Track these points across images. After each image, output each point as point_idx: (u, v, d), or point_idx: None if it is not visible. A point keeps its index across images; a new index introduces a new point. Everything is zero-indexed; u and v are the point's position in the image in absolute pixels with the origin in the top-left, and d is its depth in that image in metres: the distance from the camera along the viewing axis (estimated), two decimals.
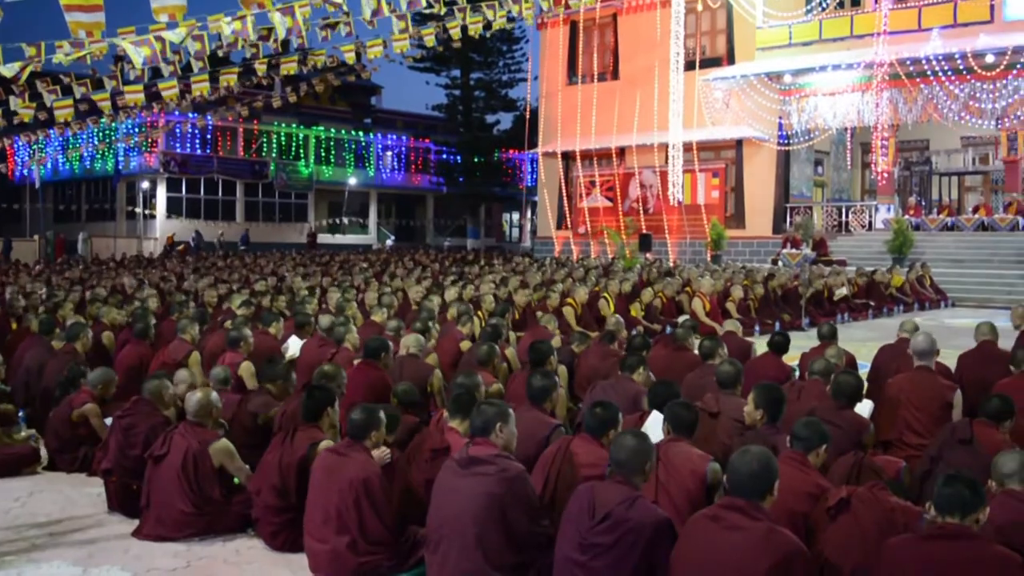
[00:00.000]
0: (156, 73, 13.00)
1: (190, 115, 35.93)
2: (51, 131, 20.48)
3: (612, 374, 7.70)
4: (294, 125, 50.70)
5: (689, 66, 31.07)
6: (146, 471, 6.15)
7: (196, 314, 10.96)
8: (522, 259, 29.23)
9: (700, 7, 31.30)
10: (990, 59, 24.71)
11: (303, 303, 12.50)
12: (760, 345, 10.06)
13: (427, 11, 15.02)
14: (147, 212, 45.92)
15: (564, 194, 35.81)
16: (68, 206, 51.11)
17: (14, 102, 12.10)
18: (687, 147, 31.00)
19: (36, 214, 46.40)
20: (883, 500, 4.44)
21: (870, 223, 29.91)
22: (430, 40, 15.79)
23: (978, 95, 25.73)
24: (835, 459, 5.27)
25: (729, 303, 16.07)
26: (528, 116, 37.20)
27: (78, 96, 13.73)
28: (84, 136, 36.06)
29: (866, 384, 7.71)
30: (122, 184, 46.49)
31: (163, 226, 45.58)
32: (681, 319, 12.62)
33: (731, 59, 30.94)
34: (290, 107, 45.35)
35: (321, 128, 52.12)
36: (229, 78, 15.49)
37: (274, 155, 49.62)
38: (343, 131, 53.29)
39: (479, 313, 12.00)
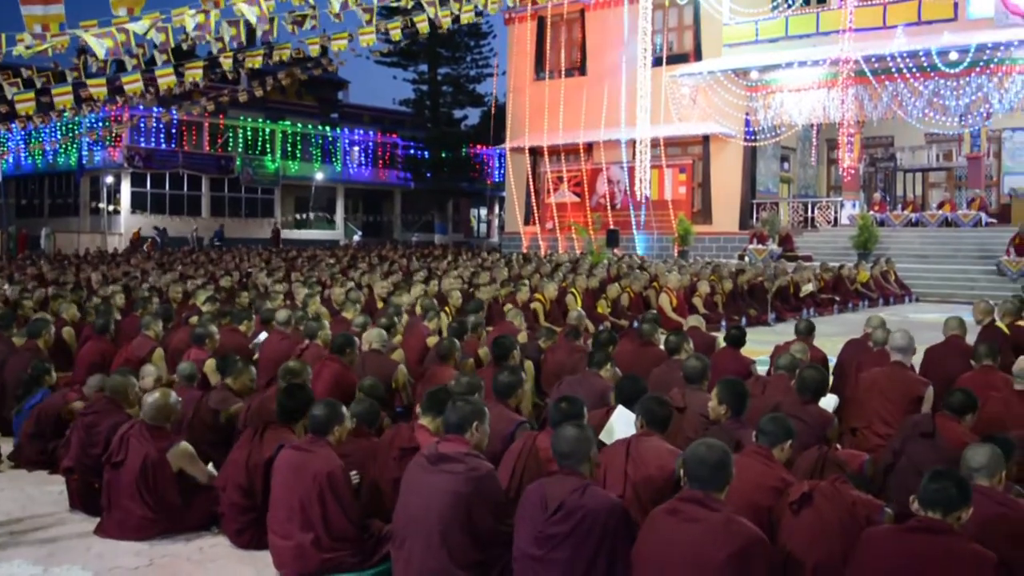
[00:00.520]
0: (120, 67, 12.89)
1: (155, 109, 35.58)
2: (13, 125, 20.23)
3: (579, 369, 7.70)
4: (260, 120, 50.33)
5: (656, 62, 31.14)
6: (104, 475, 6.05)
7: (160, 310, 10.84)
8: (489, 254, 29.22)
9: (667, 3, 31.39)
10: (954, 57, 24.93)
11: (268, 299, 12.42)
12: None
13: (394, 4, 14.98)
14: (111, 207, 45.46)
15: (532, 190, 35.81)
16: (30, 201, 50.52)
17: None
18: (654, 143, 31.09)
19: None
20: (845, 494, 4.46)
21: (835, 219, 30.15)
22: (396, 34, 15.74)
23: (942, 92, 25.97)
24: (799, 453, 5.29)
25: (696, 298, 16.14)
26: (495, 111, 37.18)
27: (39, 87, 13.58)
28: (47, 130, 35.67)
29: (831, 379, 7.81)
30: (86, 179, 45.97)
31: (127, 221, 45.06)
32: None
33: (698, 55, 31.02)
34: (256, 102, 44.96)
35: (288, 123, 51.79)
36: (195, 73, 15.36)
37: (240, 150, 49.22)
38: (310, 126, 52.97)
39: (446, 309, 11.98)
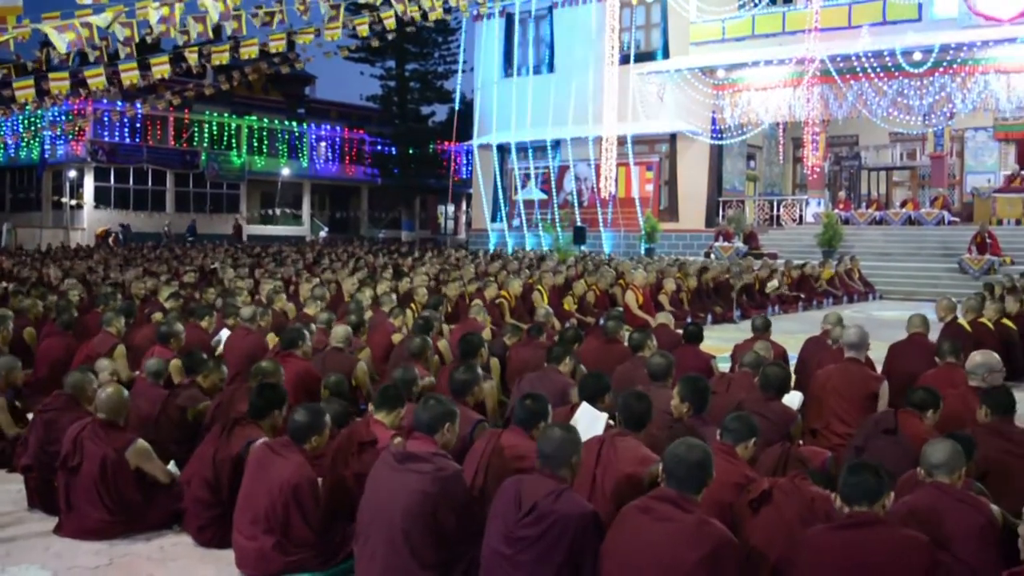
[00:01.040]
0: (83, 60, 12.74)
1: (119, 103, 35.22)
2: None
3: (541, 366, 7.70)
4: (226, 114, 49.94)
5: (624, 60, 31.25)
6: (59, 478, 5.94)
7: (123, 307, 10.72)
8: (455, 251, 29.18)
9: (635, 1, 31.47)
10: (917, 57, 25.21)
11: (233, 295, 12.32)
12: None
13: (362, 1, 14.91)
14: (74, 202, 44.94)
15: (499, 186, 35.81)
16: None
17: None
18: (621, 141, 31.18)
19: None
20: (804, 490, 4.49)
21: (801, 217, 30.36)
22: (363, 30, 15.66)
23: (906, 92, 26.25)
24: (763, 450, 5.31)
25: (662, 296, 16.18)
26: (463, 108, 37.12)
27: None
28: (8, 123, 35.22)
29: (794, 376, 7.84)
30: (48, 173, 45.41)
31: (91, 216, 44.56)
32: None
33: (665, 53, 31.13)
34: (222, 96, 44.85)
35: (254, 118, 51.42)
36: (162, 70, 15.18)
37: (205, 145, 48.78)
38: (276, 121, 52.62)
39: (412, 305, 11.94)
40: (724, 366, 8.87)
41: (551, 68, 34.34)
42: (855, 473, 3.98)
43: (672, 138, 31.15)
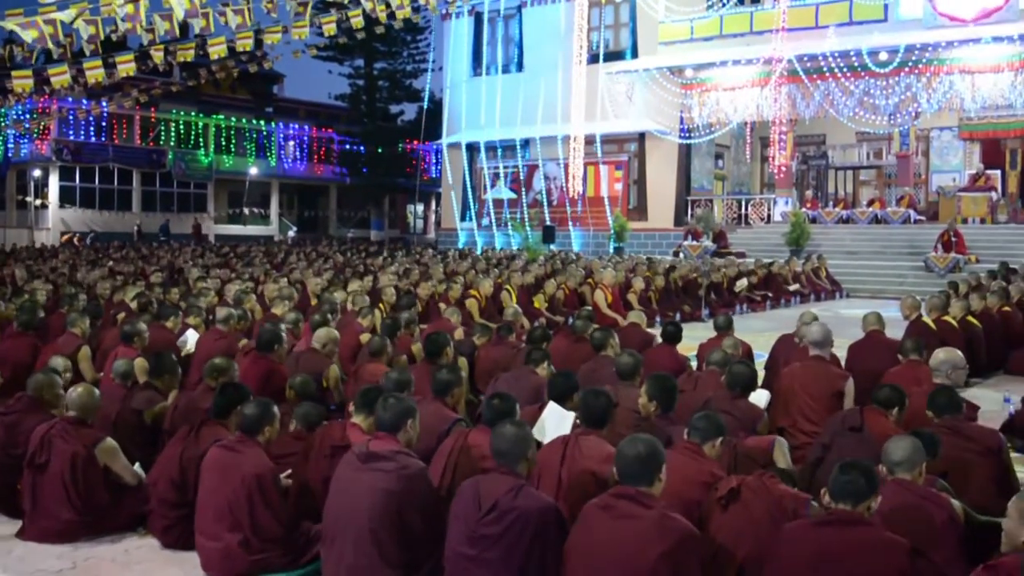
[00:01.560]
0: (48, 57, 12.60)
1: (84, 101, 34.86)
2: None
3: (513, 366, 7.69)
4: (193, 113, 49.56)
5: (593, 59, 31.30)
6: (25, 478, 5.87)
7: (88, 308, 10.60)
8: (425, 250, 29.13)
9: (604, 1, 31.53)
10: (883, 57, 25.40)
11: (198, 296, 12.21)
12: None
13: None
14: (39, 202, 44.45)
15: (468, 185, 35.78)
16: None
17: None
18: (590, 140, 31.24)
19: None
20: (772, 488, 4.50)
21: (768, 216, 30.50)
22: (330, 29, 15.59)
23: (872, 92, 26.43)
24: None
25: (631, 294, 16.22)
26: (432, 107, 37.05)
27: None
28: None
29: (764, 373, 7.87)
30: (12, 172, 44.92)
31: (56, 216, 44.13)
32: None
33: (634, 53, 31.20)
34: (189, 94, 44.53)
35: (221, 116, 51.05)
36: (128, 68, 15.04)
37: (172, 144, 48.38)
38: (244, 120, 52.28)
39: (380, 305, 11.90)
40: (691, 365, 8.90)
41: (520, 67, 34.33)
42: (846, 472, 4.01)
43: (641, 137, 31.22)
